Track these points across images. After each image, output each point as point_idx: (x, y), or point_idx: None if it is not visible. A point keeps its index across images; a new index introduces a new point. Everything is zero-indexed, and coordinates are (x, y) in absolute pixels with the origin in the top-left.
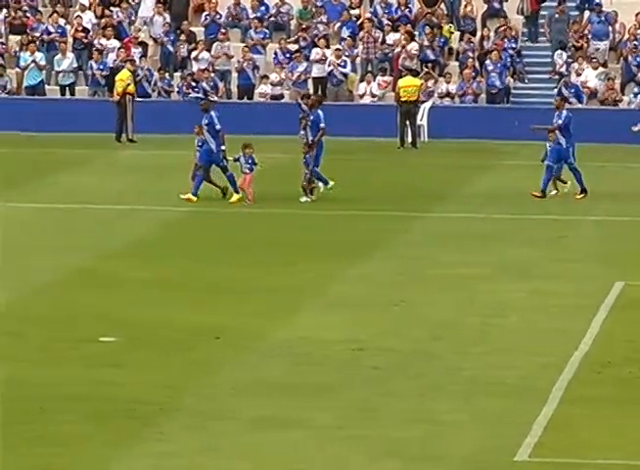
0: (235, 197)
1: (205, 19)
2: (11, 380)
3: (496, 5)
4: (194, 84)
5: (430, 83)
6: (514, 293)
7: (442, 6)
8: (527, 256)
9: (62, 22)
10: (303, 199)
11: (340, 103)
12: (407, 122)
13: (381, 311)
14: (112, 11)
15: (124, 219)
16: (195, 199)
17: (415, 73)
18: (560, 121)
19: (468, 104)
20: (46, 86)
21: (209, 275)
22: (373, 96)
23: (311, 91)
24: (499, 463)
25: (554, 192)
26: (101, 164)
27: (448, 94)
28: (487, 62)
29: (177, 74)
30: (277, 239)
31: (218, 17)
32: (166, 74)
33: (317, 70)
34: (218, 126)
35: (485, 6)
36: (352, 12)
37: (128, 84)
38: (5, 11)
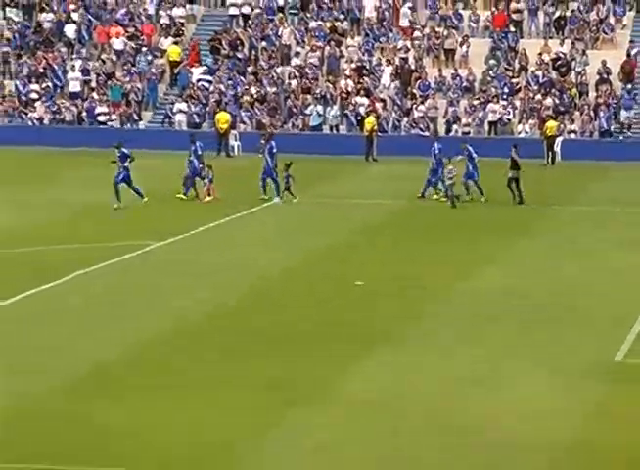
0: (180, 195)
1: (420, 85)
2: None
3: (604, 76)
4: (415, 125)
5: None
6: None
7: (572, 76)
8: None
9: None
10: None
11: (505, 137)
12: (549, 149)
13: (534, 270)
14: (364, 79)
15: (365, 210)
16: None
17: (553, 118)
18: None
19: (585, 138)
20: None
21: (422, 250)
22: (526, 132)
23: (485, 130)
24: (603, 364)
25: (435, 196)
26: (355, 175)
27: (573, 131)
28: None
29: (405, 119)
30: (476, 224)
31: (428, 83)
32: (398, 119)
33: (491, 117)
34: (200, 152)
35: (597, 77)
36: (513, 80)
37: (373, 125)
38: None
